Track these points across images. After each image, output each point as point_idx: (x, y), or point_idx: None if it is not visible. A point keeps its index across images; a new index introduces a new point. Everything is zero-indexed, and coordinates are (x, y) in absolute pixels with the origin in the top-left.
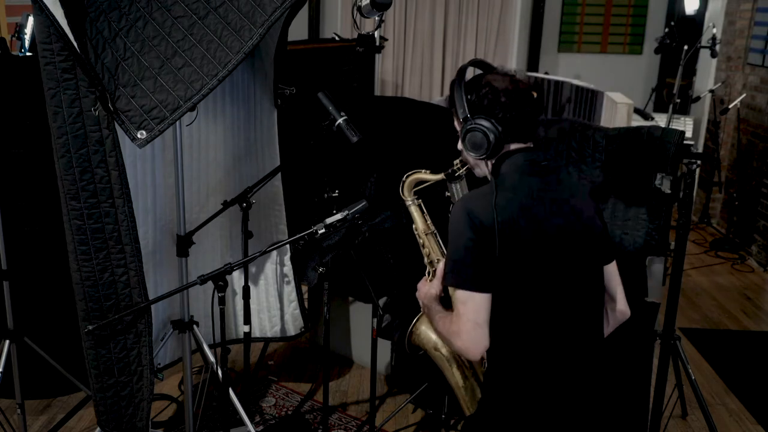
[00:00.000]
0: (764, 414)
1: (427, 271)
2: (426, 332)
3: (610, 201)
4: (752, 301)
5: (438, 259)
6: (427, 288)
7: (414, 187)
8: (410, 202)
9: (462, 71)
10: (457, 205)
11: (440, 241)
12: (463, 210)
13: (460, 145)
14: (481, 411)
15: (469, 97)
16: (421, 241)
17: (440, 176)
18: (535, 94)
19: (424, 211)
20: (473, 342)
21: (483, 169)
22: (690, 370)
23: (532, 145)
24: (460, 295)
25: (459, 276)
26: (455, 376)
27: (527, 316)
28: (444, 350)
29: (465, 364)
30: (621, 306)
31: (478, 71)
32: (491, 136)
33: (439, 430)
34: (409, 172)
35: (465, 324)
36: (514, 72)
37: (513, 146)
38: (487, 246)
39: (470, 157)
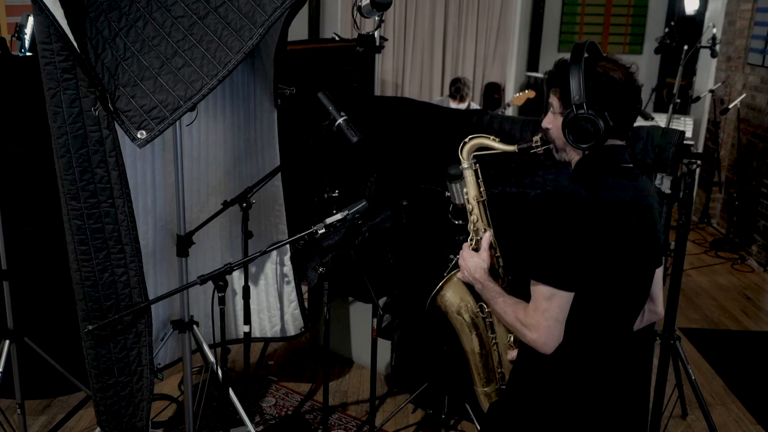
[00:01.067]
0: (764, 414)
1: (470, 238)
2: (452, 296)
3: None
4: (752, 301)
5: (485, 229)
6: (477, 260)
7: (475, 151)
8: (467, 166)
9: (580, 50)
10: (554, 200)
11: (488, 211)
12: (563, 206)
13: (549, 123)
14: (514, 400)
15: (588, 83)
16: (470, 207)
17: (512, 147)
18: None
19: (480, 177)
20: (552, 338)
21: (571, 155)
22: (690, 370)
23: (625, 144)
24: (545, 291)
25: (553, 272)
26: (472, 342)
27: (604, 315)
28: (466, 316)
29: (485, 332)
30: (659, 309)
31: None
32: (601, 130)
33: (439, 430)
34: (474, 135)
35: (546, 320)
36: (629, 64)
37: (611, 142)
38: (581, 247)
39: (563, 141)
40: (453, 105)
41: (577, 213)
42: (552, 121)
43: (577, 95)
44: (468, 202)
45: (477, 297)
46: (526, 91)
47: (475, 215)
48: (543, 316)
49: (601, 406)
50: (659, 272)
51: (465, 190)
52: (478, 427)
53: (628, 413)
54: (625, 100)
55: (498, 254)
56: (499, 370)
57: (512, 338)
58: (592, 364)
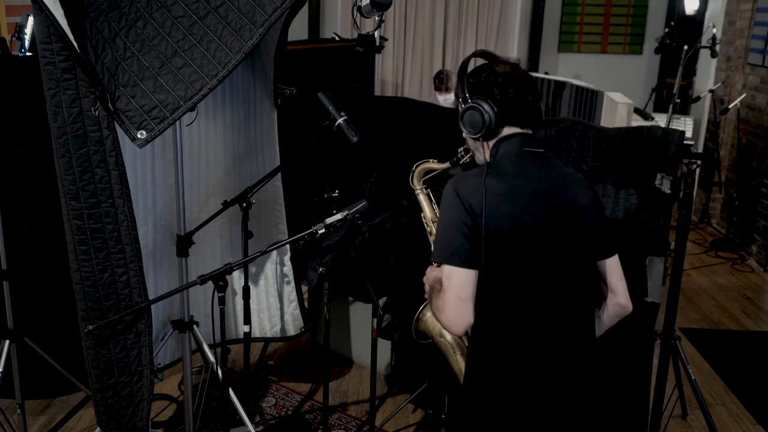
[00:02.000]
0: (764, 414)
1: (432, 257)
2: (431, 319)
3: (610, 201)
4: (752, 301)
5: None
6: (436, 273)
7: (423, 176)
8: (419, 191)
9: (467, 60)
10: (448, 184)
11: None
12: (452, 189)
13: (463, 132)
14: (462, 392)
15: (470, 80)
16: (429, 228)
17: (446, 165)
18: (533, 80)
19: (432, 199)
20: (456, 316)
21: (483, 154)
22: (690, 370)
23: (530, 132)
24: (445, 270)
25: (444, 251)
26: (458, 363)
27: (509, 299)
28: (448, 337)
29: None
30: (621, 300)
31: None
32: (486, 116)
33: (439, 430)
34: (418, 162)
35: (449, 299)
36: (516, 60)
37: (511, 130)
38: (473, 225)
39: (469, 138)
40: (440, 97)
41: (462, 193)
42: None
43: (461, 91)
44: (426, 225)
45: None
46: None
47: (434, 235)
48: (446, 295)
49: (529, 398)
50: (612, 262)
51: (422, 213)
52: None
53: (561, 406)
54: (509, 87)
55: None
56: None
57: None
58: (516, 351)
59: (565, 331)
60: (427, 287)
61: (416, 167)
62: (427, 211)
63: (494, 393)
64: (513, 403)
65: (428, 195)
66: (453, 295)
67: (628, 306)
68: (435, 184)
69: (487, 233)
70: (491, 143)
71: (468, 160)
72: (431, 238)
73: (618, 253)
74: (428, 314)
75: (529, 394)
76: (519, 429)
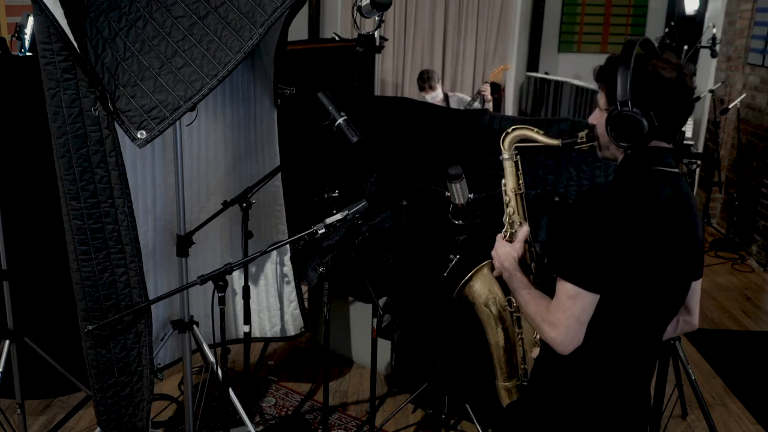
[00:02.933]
0: (764, 414)
1: (505, 230)
2: (479, 288)
3: None
4: (752, 301)
5: (521, 222)
6: (509, 249)
7: (517, 142)
8: (507, 156)
9: (631, 47)
10: (591, 199)
11: (525, 204)
12: (595, 207)
13: (595, 120)
14: (530, 400)
15: (634, 80)
16: (507, 198)
17: (556, 141)
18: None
19: (519, 169)
20: (571, 338)
21: (614, 154)
22: (690, 370)
23: (671, 147)
24: (570, 290)
25: (580, 272)
26: (498, 335)
27: (616, 320)
28: (493, 308)
29: (511, 327)
30: (694, 320)
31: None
32: (645, 129)
33: (439, 430)
34: (517, 126)
35: (568, 319)
36: (683, 63)
37: (657, 144)
38: (611, 249)
39: (607, 139)
40: (427, 96)
41: (608, 213)
42: (597, 118)
43: (623, 92)
44: (505, 194)
45: (506, 290)
46: (501, 66)
47: (512, 207)
48: (564, 314)
49: (617, 414)
50: (697, 284)
51: (503, 181)
52: (479, 428)
53: (641, 423)
54: (674, 100)
55: (533, 248)
56: (523, 366)
57: (538, 335)
58: (612, 371)
59: (653, 349)
60: (497, 263)
61: (513, 130)
62: (510, 180)
63: (585, 406)
64: (602, 415)
65: (516, 163)
66: (573, 317)
67: (696, 325)
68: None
69: (625, 259)
70: (630, 151)
71: (586, 147)
72: (507, 210)
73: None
74: (478, 283)
75: (620, 407)
76: None
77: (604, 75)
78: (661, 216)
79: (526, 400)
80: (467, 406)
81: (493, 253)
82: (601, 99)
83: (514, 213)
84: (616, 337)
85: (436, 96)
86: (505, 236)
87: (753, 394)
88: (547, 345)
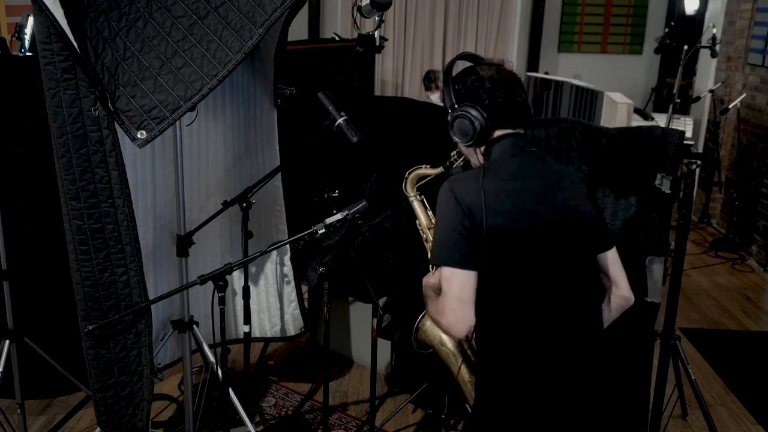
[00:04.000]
0: (764, 414)
1: (431, 266)
2: (431, 328)
3: (610, 201)
4: (752, 301)
5: None
6: (433, 279)
7: (417, 182)
8: (413, 198)
9: (450, 65)
10: (444, 186)
11: None
12: (449, 191)
13: (453, 136)
14: (475, 399)
15: (456, 87)
16: (425, 236)
17: (439, 170)
18: (520, 81)
19: (427, 206)
20: (457, 319)
21: (475, 157)
22: (690, 370)
23: (522, 132)
24: (445, 273)
25: (443, 253)
26: (462, 372)
27: (513, 298)
28: (450, 345)
29: (471, 359)
30: (624, 292)
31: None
32: (476, 123)
33: (439, 430)
34: (411, 169)
35: (450, 301)
36: (500, 61)
37: (502, 132)
38: (472, 226)
39: (461, 145)
40: (432, 96)
41: (460, 194)
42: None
43: (448, 97)
44: (422, 232)
45: None
46: None
47: (431, 242)
48: (446, 297)
49: (542, 396)
50: (611, 255)
51: (417, 221)
52: None
53: (578, 407)
54: (497, 91)
55: None
56: None
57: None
58: (523, 351)
59: (572, 326)
60: (424, 295)
61: (409, 174)
62: (422, 218)
63: (507, 392)
64: (526, 401)
65: (422, 201)
66: (454, 297)
67: (631, 297)
68: (430, 185)
69: (487, 234)
70: (483, 147)
71: (461, 163)
72: (427, 246)
73: (616, 248)
74: (428, 323)
75: (541, 390)
76: (533, 426)
77: (443, 95)
78: (513, 190)
79: (474, 404)
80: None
81: (423, 288)
82: (450, 117)
83: None
84: (515, 316)
85: (440, 96)
86: (433, 272)
87: (753, 394)
88: (477, 346)
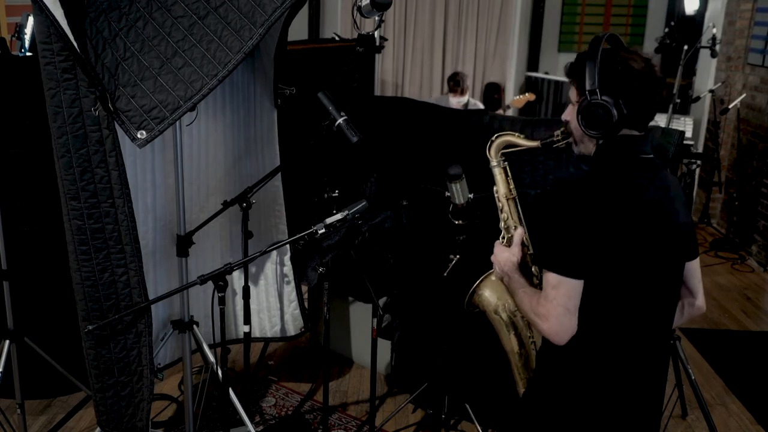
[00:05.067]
0: (764, 414)
1: (501, 236)
2: (488, 296)
3: None
4: (752, 301)
5: (515, 226)
6: (508, 254)
7: (502, 148)
8: (495, 164)
9: (598, 41)
10: (559, 188)
11: (519, 208)
12: (568, 193)
13: (568, 116)
14: (533, 393)
15: (602, 71)
16: (501, 204)
17: (535, 143)
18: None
19: (509, 174)
20: (562, 327)
21: (588, 147)
22: (690, 370)
23: (644, 134)
24: (552, 279)
25: (556, 260)
26: (511, 342)
27: (615, 307)
28: (504, 315)
29: (524, 332)
30: (700, 302)
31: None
32: (614, 116)
33: (439, 430)
34: (500, 133)
35: (555, 308)
36: (651, 56)
37: (628, 132)
38: (587, 233)
39: (580, 132)
40: (453, 99)
41: (580, 198)
42: (570, 113)
43: (591, 82)
44: (498, 200)
45: None
46: (527, 94)
47: (506, 213)
48: (551, 304)
49: (618, 402)
50: (695, 265)
51: (495, 188)
52: (479, 428)
53: (645, 412)
54: (641, 89)
55: (531, 251)
56: None
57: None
58: (611, 359)
59: (657, 334)
60: (497, 269)
61: (497, 138)
62: (501, 186)
63: (589, 397)
64: (605, 404)
65: (505, 169)
66: (560, 306)
67: (704, 308)
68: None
69: (601, 243)
70: (602, 140)
71: (563, 144)
72: (502, 216)
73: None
74: (486, 291)
75: (613, 391)
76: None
77: (574, 70)
78: (635, 200)
79: (530, 395)
80: (467, 406)
81: (493, 258)
82: (573, 94)
83: (508, 218)
84: (610, 323)
85: (462, 100)
86: (502, 242)
87: (753, 394)
88: (545, 340)
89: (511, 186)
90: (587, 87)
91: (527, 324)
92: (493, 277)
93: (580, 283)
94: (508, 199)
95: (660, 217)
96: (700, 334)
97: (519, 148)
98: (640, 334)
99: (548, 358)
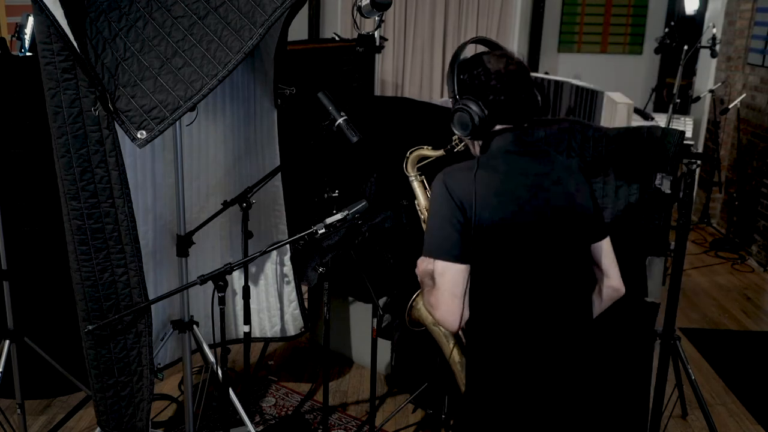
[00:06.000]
0: (764, 414)
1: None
2: (425, 308)
3: (610, 201)
4: (752, 301)
5: None
6: (425, 264)
7: (417, 163)
8: (413, 178)
9: (460, 49)
10: (437, 178)
11: None
12: (442, 182)
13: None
14: (466, 386)
15: (461, 76)
16: (423, 216)
17: (440, 152)
18: (529, 75)
19: (427, 187)
20: (450, 313)
21: (474, 149)
22: (690, 370)
23: (525, 126)
24: (438, 266)
25: (436, 247)
26: (453, 353)
27: (505, 290)
28: (442, 327)
29: (462, 341)
30: (614, 283)
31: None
32: (476, 119)
33: (439, 430)
34: (413, 149)
35: (442, 295)
36: (511, 53)
37: (503, 126)
38: (464, 219)
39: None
40: None
41: (453, 186)
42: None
43: (450, 88)
44: (420, 212)
45: None
46: None
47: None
48: (439, 291)
49: (527, 388)
50: (605, 245)
51: (416, 201)
52: None
53: (566, 394)
54: (502, 89)
55: None
56: None
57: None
58: (514, 343)
59: (564, 317)
60: (419, 279)
61: (410, 153)
62: (421, 198)
63: (497, 385)
64: (517, 393)
65: (422, 182)
66: (447, 291)
67: (621, 288)
68: (430, 171)
69: (479, 227)
70: (481, 140)
71: (462, 148)
72: (425, 226)
73: (609, 238)
74: (421, 303)
75: (533, 382)
76: (525, 421)
77: (448, 79)
78: (513, 183)
79: (463, 392)
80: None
81: (416, 270)
82: (452, 102)
83: None
84: (506, 308)
85: None
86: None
87: (753, 394)
88: (469, 332)
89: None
90: (449, 94)
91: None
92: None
93: (464, 267)
94: (427, 210)
95: (541, 199)
96: (700, 334)
97: (430, 159)
98: (543, 319)
99: (468, 352)
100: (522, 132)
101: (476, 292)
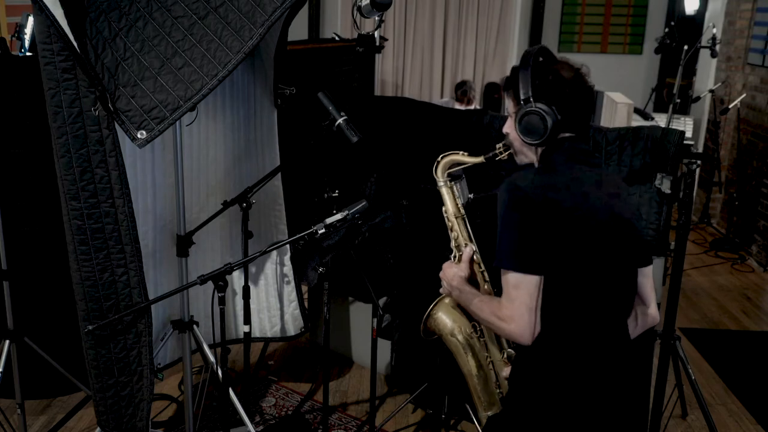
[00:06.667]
0: (764, 414)
1: (453, 255)
2: (443, 318)
3: None
4: (752, 301)
5: (465, 244)
6: (455, 270)
7: (448, 168)
8: (442, 183)
9: (529, 55)
10: (508, 186)
11: (468, 226)
12: (511, 190)
13: (507, 128)
14: (510, 400)
15: (535, 81)
16: (450, 224)
17: (479, 159)
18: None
19: (456, 193)
20: (525, 326)
21: (529, 156)
22: (690, 370)
23: (581, 136)
24: (512, 279)
25: (513, 257)
26: (469, 364)
27: (575, 306)
28: (460, 337)
29: (481, 352)
30: (653, 311)
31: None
32: (549, 122)
33: (439, 430)
34: (445, 153)
35: (518, 308)
36: (580, 65)
37: (566, 135)
38: (535, 225)
39: (519, 142)
40: (460, 108)
41: (522, 193)
42: (509, 125)
43: (525, 90)
44: (447, 219)
45: (470, 317)
46: None
47: (456, 231)
48: (514, 305)
49: (589, 404)
50: (649, 271)
51: (443, 207)
52: (479, 428)
53: (619, 413)
54: (573, 95)
55: (483, 269)
56: (498, 391)
57: (506, 354)
58: (576, 358)
59: (612, 336)
60: (446, 285)
61: (442, 158)
62: (450, 205)
63: (567, 401)
64: (579, 409)
65: (452, 188)
66: (523, 304)
67: (657, 317)
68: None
69: (549, 234)
70: (542, 147)
71: (506, 157)
72: (452, 234)
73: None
74: (440, 313)
75: (594, 400)
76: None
77: (510, 83)
78: (583, 193)
79: (506, 409)
80: (467, 406)
81: (441, 275)
82: (510, 106)
83: (458, 236)
84: (572, 322)
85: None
86: (454, 260)
87: (753, 394)
88: (520, 352)
89: (459, 204)
90: (521, 96)
91: (484, 345)
92: (446, 300)
93: (540, 279)
94: (456, 218)
95: (607, 210)
96: (700, 334)
97: (465, 165)
98: (601, 335)
99: (523, 370)
100: (584, 142)
101: (550, 305)
